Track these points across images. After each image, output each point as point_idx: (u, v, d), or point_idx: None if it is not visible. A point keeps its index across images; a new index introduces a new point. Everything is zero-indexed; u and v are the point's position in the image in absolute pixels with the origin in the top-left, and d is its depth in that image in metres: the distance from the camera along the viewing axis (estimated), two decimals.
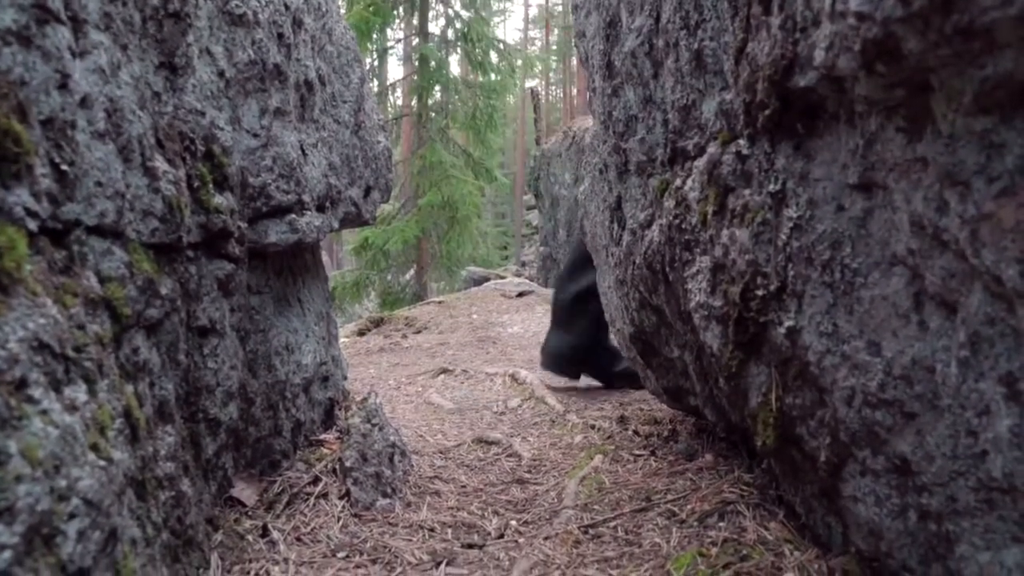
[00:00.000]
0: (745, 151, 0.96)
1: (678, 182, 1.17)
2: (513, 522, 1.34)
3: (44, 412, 0.64)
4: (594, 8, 1.49)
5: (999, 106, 0.57)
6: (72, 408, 0.69)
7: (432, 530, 1.32)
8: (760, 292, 0.96)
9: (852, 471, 0.87)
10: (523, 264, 19.12)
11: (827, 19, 0.66)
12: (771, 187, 0.91)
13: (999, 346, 0.63)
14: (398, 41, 12.07)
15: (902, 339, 0.75)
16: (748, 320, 1.00)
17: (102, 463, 0.71)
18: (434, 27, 11.05)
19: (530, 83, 23.81)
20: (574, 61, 22.19)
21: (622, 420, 1.99)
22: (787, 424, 0.98)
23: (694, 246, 1.14)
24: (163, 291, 0.99)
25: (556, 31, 25.82)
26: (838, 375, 0.84)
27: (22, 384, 0.63)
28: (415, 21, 10.86)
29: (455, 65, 13.50)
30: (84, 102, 0.83)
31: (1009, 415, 0.62)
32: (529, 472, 1.68)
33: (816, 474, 0.95)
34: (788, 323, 0.91)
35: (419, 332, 4.82)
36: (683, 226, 1.16)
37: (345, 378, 1.97)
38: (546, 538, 1.23)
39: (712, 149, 1.04)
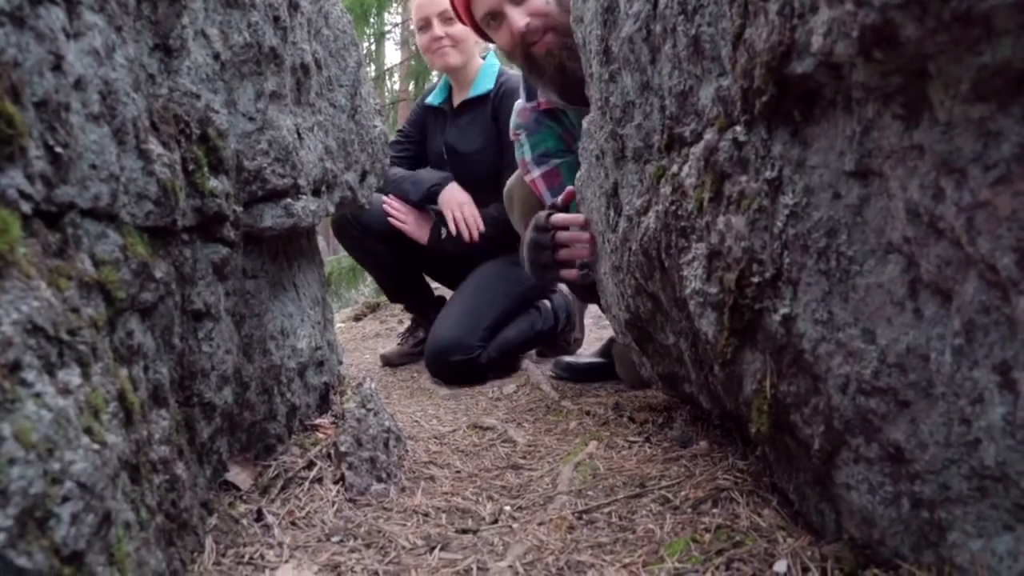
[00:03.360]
0: (742, 137, 0.96)
1: (675, 168, 1.17)
2: (507, 507, 1.35)
3: (37, 395, 0.64)
4: None
5: (996, 94, 0.57)
6: (66, 391, 0.69)
7: (426, 515, 1.32)
8: (755, 279, 0.96)
9: (845, 459, 0.87)
10: None
11: (825, 5, 0.65)
12: (767, 174, 0.91)
13: (993, 334, 0.63)
14: (395, 25, 12.00)
15: (897, 327, 0.75)
16: (743, 307, 1.00)
17: (96, 446, 0.71)
18: None
19: None
20: None
21: (617, 407, 1.99)
22: (781, 411, 0.98)
23: (690, 233, 1.14)
24: (158, 275, 0.99)
25: None
26: (832, 363, 0.84)
27: (16, 367, 0.63)
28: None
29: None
30: (78, 84, 0.83)
31: (1002, 403, 0.63)
32: (524, 458, 1.69)
33: (810, 461, 0.95)
34: (783, 310, 0.91)
35: None
36: (679, 213, 1.16)
37: (340, 363, 1.97)
38: (540, 524, 1.23)
39: (709, 135, 1.04)
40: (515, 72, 3.34)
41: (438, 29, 3.17)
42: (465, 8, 2.30)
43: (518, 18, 2.14)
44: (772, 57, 0.80)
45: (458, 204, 3.07)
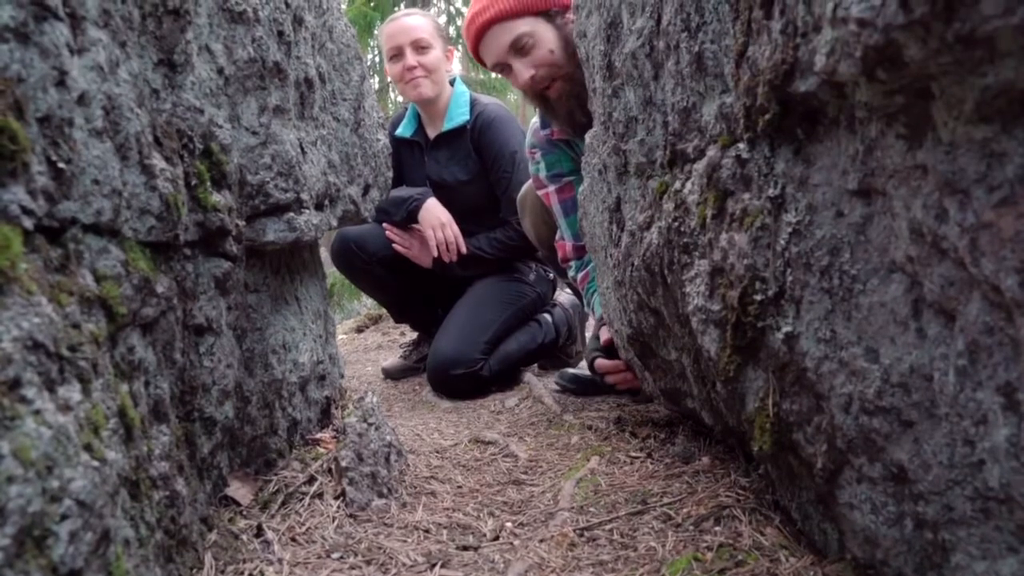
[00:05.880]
0: (745, 155, 0.96)
1: (677, 184, 1.17)
2: (508, 524, 1.34)
3: (37, 412, 0.63)
4: (595, 9, 1.49)
5: (1000, 115, 0.57)
6: (66, 408, 0.69)
7: (427, 531, 1.31)
8: (758, 297, 0.95)
9: (849, 478, 0.87)
10: None
11: (828, 24, 0.65)
12: (770, 192, 0.90)
13: (997, 355, 0.62)
14: None
15: (900, 346, 0.74)
16: (746, 325, 0.99)
17: (95, 463, 0.70)
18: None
19: None
20: None
21: (619, 421, 1.99)
22: (784, 430, 0.98)
23: (693, 249, 1.13)
24: (159, 290, 0.99)
25: None
26: (836, 381, 0.84)
27: (16, 384, 0.62)
28: None
29: (456, 62, 13.46)
30: (82, 99, 0.83)
31: (1007, 425, 0.62)
32: (525, 473, 1.68)
33: (812, 480, 0.95)
34: (786, 328, 0.91)
35: None
36: (682, 229, 1.15)
37: (342, 376, 1.96)
38: (541, 541, 1.23)
39: (712, 152, 1.04)
40: (490, 100, 3.36)
41: (411, 59, 3.13)
42: (475, 55, 2.36)
43: (523, 71, 2.19)
44: (775, 75, 0.80)
45: (440, 224, 3.05)
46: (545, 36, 2.19)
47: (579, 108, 2.08)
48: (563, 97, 2.17)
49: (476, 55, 2.34)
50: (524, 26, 2.17)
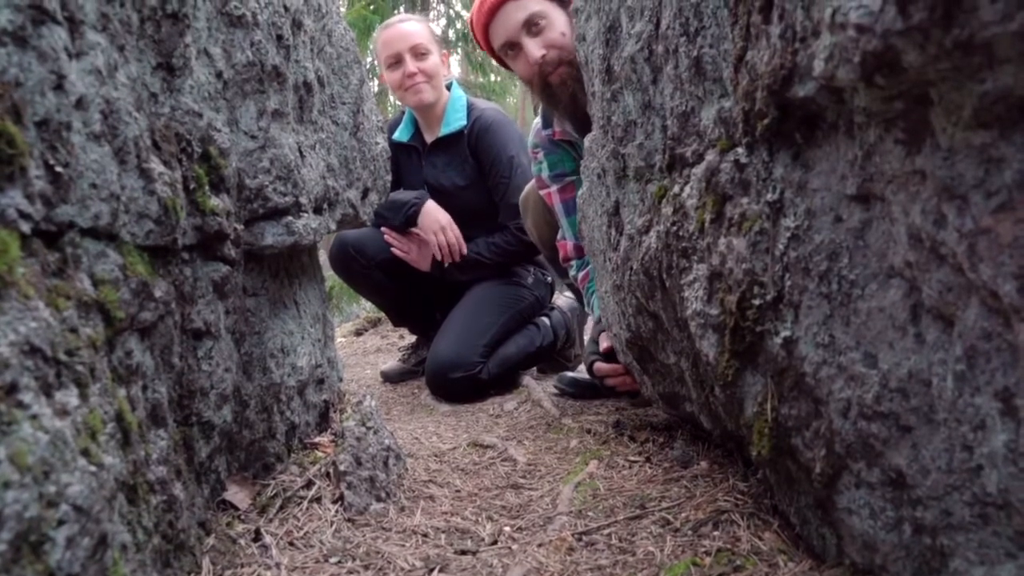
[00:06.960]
0: (743, 159, 0.96)
1: (676, 189, 1.17)
2: (507, 528, 1.34)
3: (34, 417, 0.63)
4: (594, 12, 1.49)
5: (998, 120, 0.57)
6: (63, 413, 0.69)
7: (425, 535, 1.31)
8: (757, 302, 0.95)
9: (847, 483, 0.87)
10: None
11: (827, 30, 0.65)
12: (769, 196, 0.90)
13: (995, 361, 0.62)
14: None
15: (899, 351, 0.74)
16: (744, 329, 0.99)
17: (93, 468, 0.70)
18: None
19: None
20: None
21: (618, 425, 1.98)
22: (782, 434, 0.97)
23: (691, 254, 1.13)
24: (157, 294, 0.99)
25: None
26: (834, 386, 0.84)
27: (13, 389, 0.62)
28: None
29: (455, 66, 13.49)
30: (80, 103, 0.83)
31: (1004, 430, 0.62)
32: (524, 477, 1.68)
33: (811, 485, 0.94)
34: (784, 333, 0.91)
35: None
36: (680, 233, 1.15)
37: (341, 380, 1.96)
38: (540, 545, 1.22)
39: (710, 156, 1.04)
40: (487, 104, 3.35)
41: (411, 65, 3.12)
42: (484, 37, 2.38)
43: (534, 49, 2.21)
44: (774, 80, 0.80)
45: (440, 228, 3.05)
46: (557, 19, 2.23)
47: (581, 91, 2.09)
48: (566, 82, 2.18)
49: (484, 38, 2.36)
50: (537, 6, 2.22)
